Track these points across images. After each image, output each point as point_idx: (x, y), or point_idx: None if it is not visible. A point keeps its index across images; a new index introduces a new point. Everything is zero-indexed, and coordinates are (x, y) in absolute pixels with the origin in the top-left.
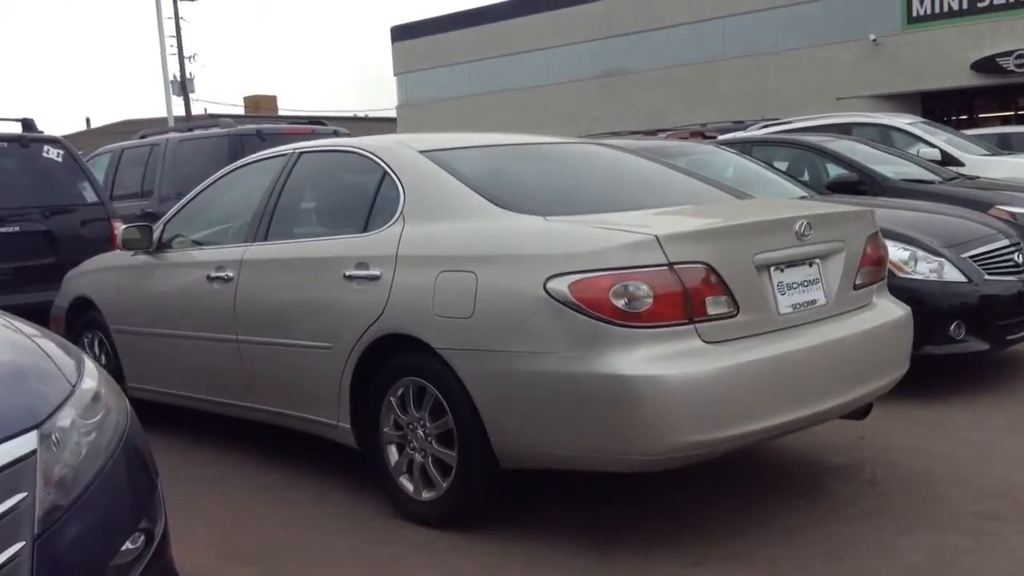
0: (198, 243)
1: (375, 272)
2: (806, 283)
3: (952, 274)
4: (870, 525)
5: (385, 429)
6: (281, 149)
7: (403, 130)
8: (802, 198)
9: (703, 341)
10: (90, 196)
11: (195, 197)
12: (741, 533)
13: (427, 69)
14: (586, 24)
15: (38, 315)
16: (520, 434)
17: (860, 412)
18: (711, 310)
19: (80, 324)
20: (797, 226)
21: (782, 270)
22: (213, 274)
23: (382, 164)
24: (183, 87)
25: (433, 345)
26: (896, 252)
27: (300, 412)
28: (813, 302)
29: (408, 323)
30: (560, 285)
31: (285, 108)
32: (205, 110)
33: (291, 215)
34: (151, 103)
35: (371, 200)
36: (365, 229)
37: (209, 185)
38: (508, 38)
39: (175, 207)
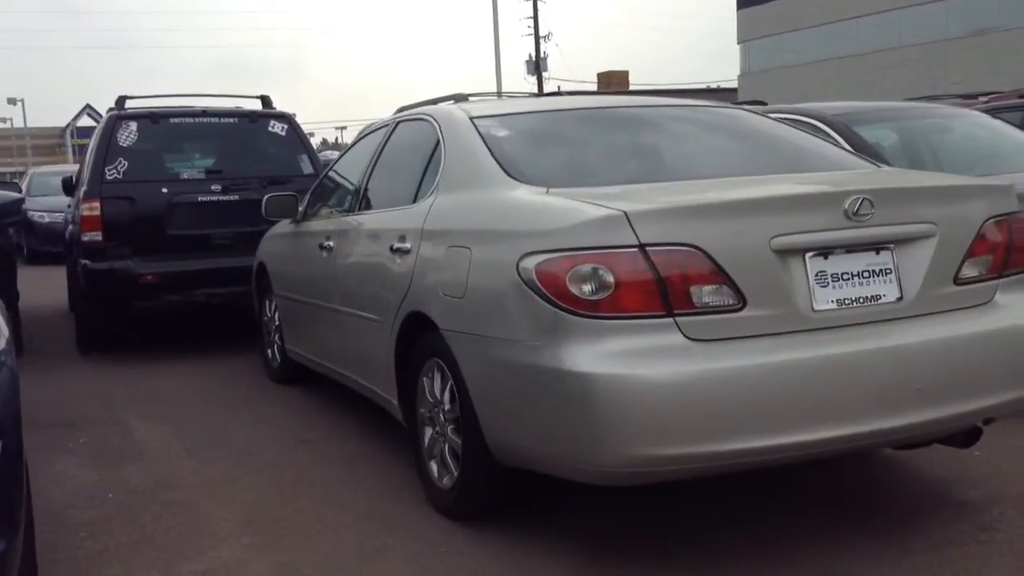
0: (326, 213)
1: (407, 245)
2: (868, 274)
3: None
4: None
5: (421, 410)
6: (387, 119)
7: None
8: None
9: (686, 338)
10: (307, 168)
11: (333, 167)
12: (779, 563)
13: (771, 35)
14: None
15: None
16: (500, 427)
17: (962, 438)
18: (701, 301)
19: (262, 288)
20: (848, 203)
21: (825, 257)
22: (323, 243)
23: (438, 131)
24: (536, 66)
25: (439, 326)
26: None
27: (372, 384)
28: (877, 297)
29: (423, 301)
30: (529, 265)
31: (636, 83)
32: (558, 87)
33: (378, 185)
34: (510, 81)
35: (424, 169)
36: (415, 200)
37: (343, 154)
38: None
39: (320, 177)
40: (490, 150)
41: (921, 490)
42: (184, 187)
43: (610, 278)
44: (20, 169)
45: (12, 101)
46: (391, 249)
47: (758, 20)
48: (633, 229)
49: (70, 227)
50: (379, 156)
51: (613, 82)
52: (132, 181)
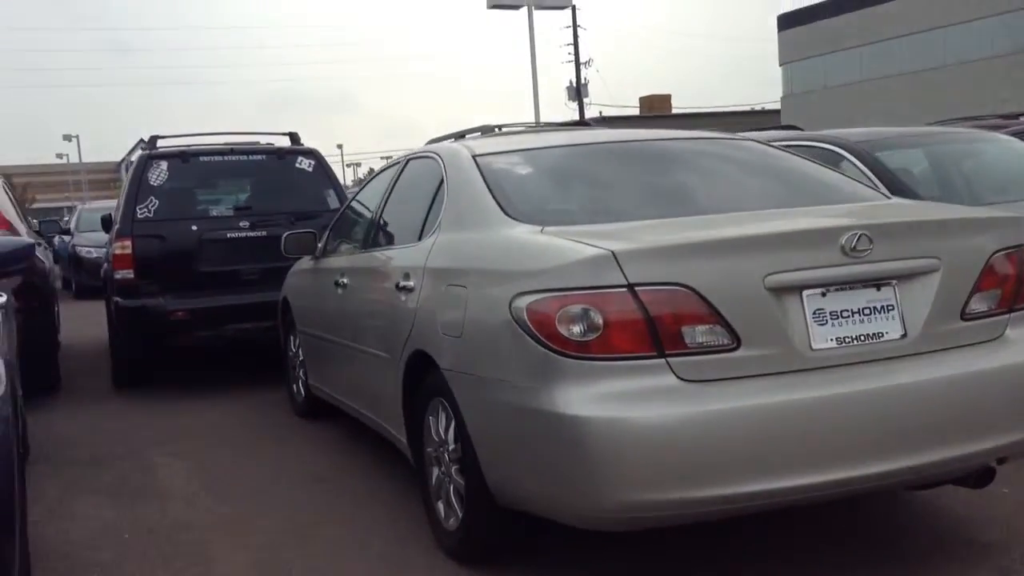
0: (343, 249)
1: (411, 283)
2: (869, 311)
3: None
4: None
5: (428, 449)
6: (399, 156)
7: (786, 121)
8: None
9: (679, 379)
10: (333, 203)
11: (351, 202)
12: None
13: (813, 57)
14: None
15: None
16: (499, 469)
17: (975, 478)
18: (693, 341)
19: (287, 323)
20: (844, 239)
21: (823, 294)
22: (339, 279)
23: (442, 169)
24: (577, 92)
25: (440, 365)
26: None
27: (383, 422)
28: (880, 335)
29: (425, 339)
30: (521, 305)
31: (679, 106)
32: (600, 113)
33: (388, 222)
34: (552, 108)
35: (429, 207)
36: (419, 238)
37: (359, 191)
38: (905, 17)
39: (338, 214)
40: (489, 188)
41: (939, 529)
42: (213, 224)
43: (599, 319)
44: (72, 204)
45: (67, 137)
46: (396, 287)
47: (800, 42)
48: (621, 269)
49: (105, 264)
50: (390, 193)
51: (655, 106)
52: (163, 219)
